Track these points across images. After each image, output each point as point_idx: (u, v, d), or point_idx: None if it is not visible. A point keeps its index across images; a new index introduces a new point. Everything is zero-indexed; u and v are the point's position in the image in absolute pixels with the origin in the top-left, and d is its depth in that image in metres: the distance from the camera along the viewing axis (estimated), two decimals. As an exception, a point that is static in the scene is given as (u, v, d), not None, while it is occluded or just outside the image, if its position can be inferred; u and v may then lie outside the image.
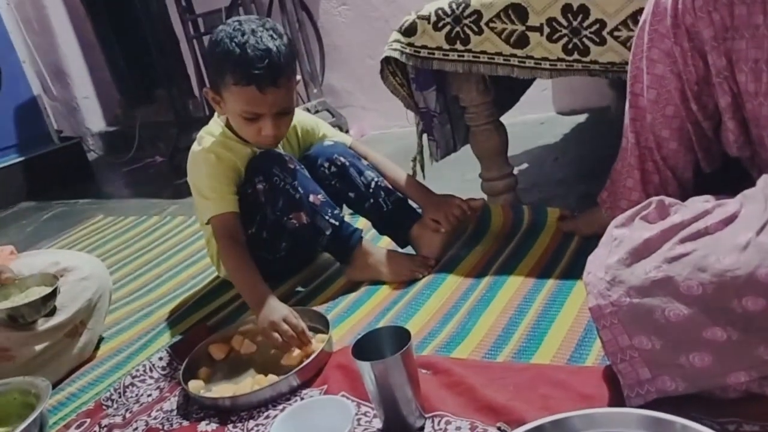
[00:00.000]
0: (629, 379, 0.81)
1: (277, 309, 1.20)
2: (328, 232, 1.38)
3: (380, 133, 2.87)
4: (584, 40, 1.20)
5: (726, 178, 1.15)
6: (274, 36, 1.28)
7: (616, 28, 1.15)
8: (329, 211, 1.38)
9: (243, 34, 1.26)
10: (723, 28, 0.96)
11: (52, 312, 1.31)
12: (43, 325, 1.29)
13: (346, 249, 1.41)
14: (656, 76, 1.05)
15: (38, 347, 1.27)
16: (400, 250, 1.49)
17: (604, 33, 1.17)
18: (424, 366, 1.02)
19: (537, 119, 2.42)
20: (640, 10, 1.11)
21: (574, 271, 1.24)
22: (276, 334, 1.16)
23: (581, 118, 2.33)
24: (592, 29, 1.18)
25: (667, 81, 1.04)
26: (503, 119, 1.56)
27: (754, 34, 0.93)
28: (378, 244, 1.50)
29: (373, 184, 1.44)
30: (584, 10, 1.19)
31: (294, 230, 1.38)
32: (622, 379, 0.82)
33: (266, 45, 1.26)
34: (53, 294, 1.29)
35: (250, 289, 1.28)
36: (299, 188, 1.36)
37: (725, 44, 0.96)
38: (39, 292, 1.30)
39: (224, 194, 1.37)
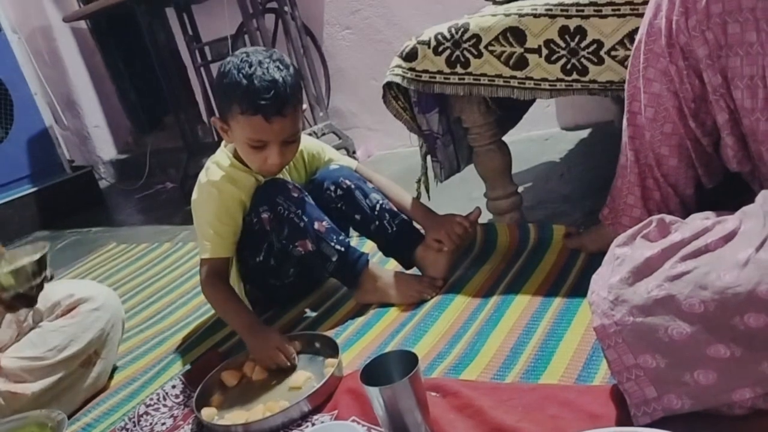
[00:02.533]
0: (635, 398, 0.82)
1: (269, 339, 1.27)
2: (334, 259, 1.39)
3: (386, 153, 2.89)
4: (582, 60, 1.22)
5: (728, 192, 1.15)
6: (281, 67, 1.31)
7: (613, 48, 1.17)
8: (334, 237, 1.39)
9: (250, 66, 1.29)
10: (717, 47, 0.97)
11: (42, 284, 1.22)
12: (56, 356, 1.30)
13: (353, 274, 1.42)
14: (653, 95, 1.06)
15: (53, 378, 1.29)
16: (406, 272, 1.50)
17: (602, 53, 1.18)
18: (433, 389, 1.03)
19: (541, 135, 2.44)
20: (636, 30, 1.12)
21: (581, 289, 1.24)
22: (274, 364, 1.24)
23: (585, 133, 2.34)
24: (590, 50, 1.20)
25: (664, 99, 1.05)
26: (508, 136, 1.57)
27: (749, 51, 0.94)
28: (385, 266, 1.51)
29: (378, 207, 1.46)
30: (581, 31, 1.20)
31: (300, 258, 1.40)
32: (628, 398, 0.83)
33: (273, 76, 1.28)
34: (42, 262, 1.20)
35: (238, 317, 1.35)
36: (303, 216, 1.38)
37: (720, 62, 0.97)
38: (27, 261, 1.21)
39: (225, 237, 1.41)
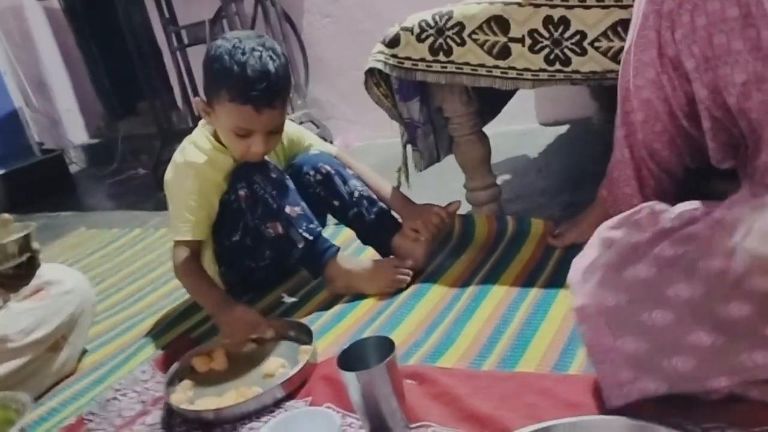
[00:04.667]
0: (610, 379, 0.81)
1: (241, 315, 1.28)
2: (300, 246, 1.37)
3: (365, 144, 2.88)
4: (565, 50, 1.22)
5: (718, 175, 1.17)
6: (273, 57, 1.29)
7: (596, 39, 1.17)
8: (304, 224, 1.37)
9: (243, 53, 1.26)
10: (703, 60, 0.98)
11: (32, 263, 1.19)
12: (24, 339, 1.27)
13: (318, 265, 1.40)
14: (644, 101, 1.08)
15: (19, 362, 1.25)
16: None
17: (585, 44, 1.18)
18: (410, 376, 1.02)
19: (520, 130, 2.44)
20: (620, 22, 1.13)
21: (558, 281, 1.25)
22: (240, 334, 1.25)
23: (564, 128, 2.35)
24: (573, 40, 1.20)
25: (655, 105, 1.07)
26: (486, 129, 1.57)
27: (737, 59, 0.95)
28: (362, 255, 1.50)
29: (356, 194, 1.45)
30: (564, 22, 1.20)
31: (271, 239, 1.38)
32: (602, 380, 0.82)
33: (266, 66, 1.27)
34: (26, 240, 1.15)
35: (210, 297, 1.35)
36: (278, 198, 1.36)
37: (707, 74, 0.98)
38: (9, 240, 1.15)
39: (200, 219, 1.39)
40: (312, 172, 1.46)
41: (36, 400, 1.25)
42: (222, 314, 1.30)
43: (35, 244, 1.18)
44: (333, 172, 1.46)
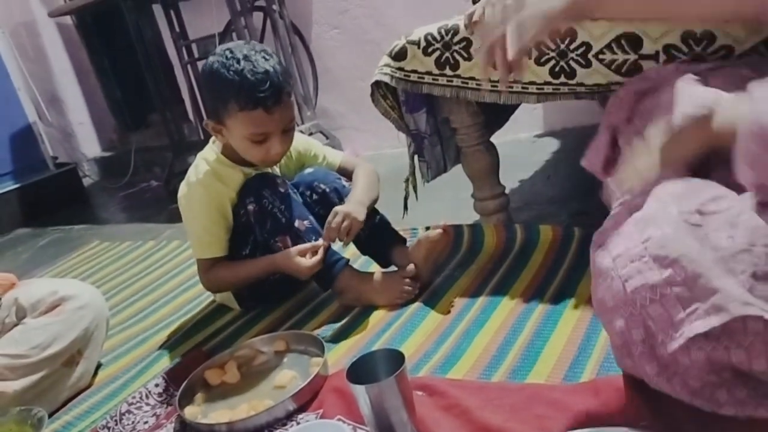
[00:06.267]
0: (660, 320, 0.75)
1: (287, 254, 1.36)
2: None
3: (373, 153, 2.89)
4: (570, 62, 1.22)
5: None
6: (266, 56, 1.31)
7: (600, 51, 1.17)
8: (313, 237, 1.39)
9: (238, 62, 1.28)
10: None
11: None
12: (40, 354, 1.29)
13: (329, 277, 1.41)
14: None
15: (35, 377, 1.27)
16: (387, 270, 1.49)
17: (590, 56, 1.19)
18: (420, 388, 1.02)
19: (528, 138, 2.45)
20: (624, 35, 1.13)
21: (568, 290, 1.25)
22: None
23: (572, 136, 2.35)
24: (578, 52, 1.20)
25: None
26: (494, 137, 1.58)
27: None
28: (370, 267, 1.51)
29: None
30: (571, 33, 1.20)
31: None
32: (653, 324, 0.76)
33: (264, 67, 1.28)
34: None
35: (254, 266, 1.42)
36: (286, 212, 1.38)
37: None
38: None
39: (217, 235, 1.43)
40: (308, 192, 1.48)
41: (52, 415, 1.27)
42: (275, 265, 1.38)
43: None
44: (329, 189, 1.48)
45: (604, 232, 0.88)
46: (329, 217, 1.35)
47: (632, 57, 1.15)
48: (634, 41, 1.13)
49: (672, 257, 0.74)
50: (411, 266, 1.39)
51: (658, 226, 0.77)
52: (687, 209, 0.77)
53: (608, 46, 1.16)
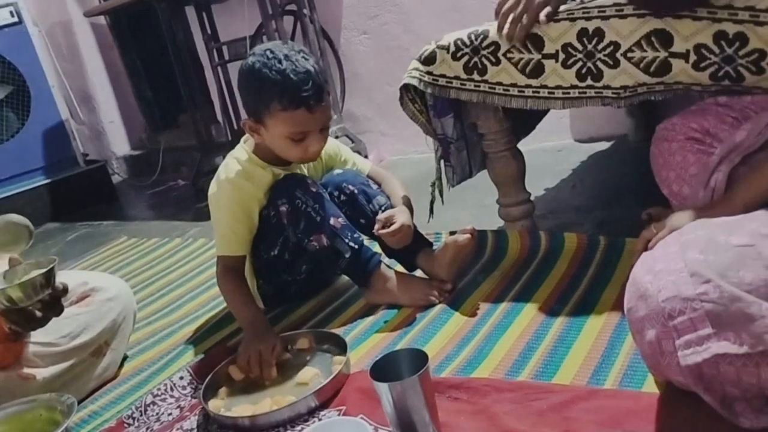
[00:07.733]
0: (686, 332, 0.78)
1: (261, 341, 1.26)
2: (347, 255, 1.40)
3: (398, 158, 2.91)
4: (598, 63, 1.22)
5: None
6: (306, 56, 1.33)
7: (629, 50, 1.17)
8: (349, 234, 1.40)
9: (279, 62, 1.30)
10: None
11: (57, 299, 1.18)
12: (69, 343, 1.31)
13: (365, 273, 1.43)
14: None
15: (64, 365, 1.30)
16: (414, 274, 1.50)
17: (618, 55, 1.18)
18: (444, 389, 1.03)
19: (555, 146, 2.44)
20: (654, 32, 1.13)
21: (592, 298, 1.25)
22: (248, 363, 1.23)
23: (599, 145, 2.34)
24: (606, 51, 1.20)
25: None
26: (521, 146, 1.58)
27: None
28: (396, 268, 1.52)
29: (381, 211, 1.46)
30: (599, 33, 1.20)
31: (315, 252, 1.41)
32: (677, 334, 0.79)
33: (305, 67, 1.30)
34: (47, 276, 1.13)
35: (244, 311, 1.37)
36: (320, 211, 1.39)
37: None
38: (36, 274, 1.14)
39: (241, 234, 1.43)
40: (336, 193, 1.49)
41: (78, 403, 1.29)
42: (246, 336, 1.31)
43: (57, 283, 1.18)
44: (357, 191, 1.48)
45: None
46: (386, 218, 1.38)
47: (662, 54, 1.15)
48: (665, 38, 1.13)
49: (709, 276, 0.77)
50: (449, 286, 1.41)
51: (702, 251, 0.81)
52: (737, 240, 0.80)
53: (638, 44, 1.16)
